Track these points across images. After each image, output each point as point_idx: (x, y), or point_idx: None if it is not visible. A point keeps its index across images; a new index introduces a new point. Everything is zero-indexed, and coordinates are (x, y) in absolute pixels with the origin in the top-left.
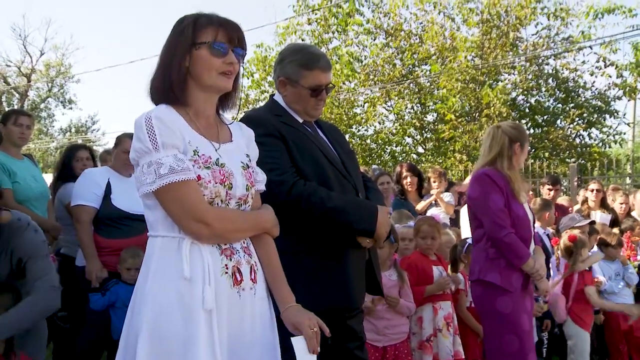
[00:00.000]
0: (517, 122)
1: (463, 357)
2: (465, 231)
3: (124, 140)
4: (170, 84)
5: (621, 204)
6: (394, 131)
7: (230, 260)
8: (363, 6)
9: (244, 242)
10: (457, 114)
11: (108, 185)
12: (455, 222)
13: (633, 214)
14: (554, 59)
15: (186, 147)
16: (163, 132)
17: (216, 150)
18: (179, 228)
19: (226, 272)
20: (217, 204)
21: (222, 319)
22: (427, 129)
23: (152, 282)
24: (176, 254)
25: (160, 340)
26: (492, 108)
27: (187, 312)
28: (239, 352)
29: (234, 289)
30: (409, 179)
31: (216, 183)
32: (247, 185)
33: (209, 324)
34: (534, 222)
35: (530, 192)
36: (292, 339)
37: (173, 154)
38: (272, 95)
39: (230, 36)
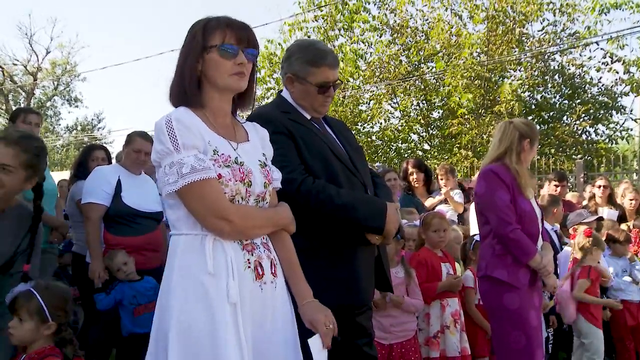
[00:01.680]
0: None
1: (469, 353)
2: (474, 228)
3: (134, 138)
4: (185, 88)
5: (631, 200)
6: (400, 128)
7: (252, 255)
8: (369, 3)
9: (263, 239)
10: (468, 110)
11: (118, 183)
12: (461, 218)
13: None
14: (560, 55)
15: (206, 147)
16: (183, 134)
17: (234, 149)
18: (201, 226)
19: (249, 267)
20: (238, 201)
21: (246, 312)
22: (432, 126)
23: (177, 279)
24: (199, 251)
25: (189, 335)
26: (504, 104)
27: (212, 306)
28: (262, 344)
29: (256, 282)
30: (415, 175)
31: (236, 181)
32: (265, 182)
33: (234, 317)
34: (542, 218)
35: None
36: (309, 340)
37: (194, 154)
38: (279, 92)
39: (239, 37)
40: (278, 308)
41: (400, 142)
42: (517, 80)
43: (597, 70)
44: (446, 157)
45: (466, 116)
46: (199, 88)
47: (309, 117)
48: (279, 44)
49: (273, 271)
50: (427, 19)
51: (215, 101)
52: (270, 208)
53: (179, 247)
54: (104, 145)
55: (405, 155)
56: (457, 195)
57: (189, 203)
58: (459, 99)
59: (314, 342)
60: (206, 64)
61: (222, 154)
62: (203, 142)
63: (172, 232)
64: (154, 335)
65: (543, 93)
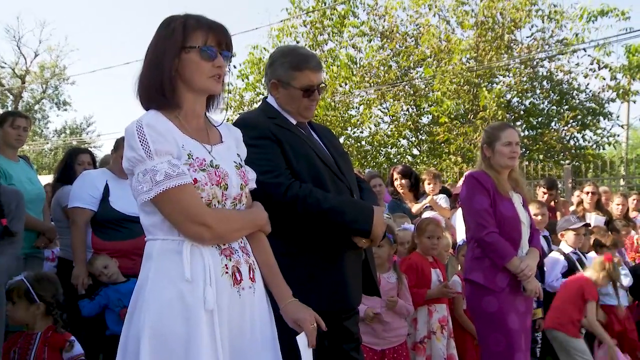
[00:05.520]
0: (511, 123)
1: None
2: (461, 233)
3: (122, 144)
4: (161, 86)
5: (618, 205)
6: (389, 133)
7: (230, 260)
8: (358, 8)
9: (241, 242)
10: (452, 116)
11: (106, 188)
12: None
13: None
14: (548, 61)
15: (180, 152)
16: (155, 139)
17: (209, 152)
18: (178, 232)
19: (226, 272)
20: (214, 205)
21: (223, 319)
22: (422, 131)
23: (152, 285)
24: (176, 256)
25: (163, 342)
26: (487, 111)
27: (188, 313)
28: (240, 350)
29: (234, 288)
30: (399, 182)
31: (212, 185)
32: (241, 184)
33: (210, 324)
34: (531, 224)
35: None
36: (297, 337)
37: (167, 160)
38: (264, 98)
39: (219, 40)
40: (256, 313)
41: (389, 147)
42: (501, 86)
43: (585, 77)
44: (435, 163)
45: (454, 122)
46: (174, 87)
47: (294, 122)
48: (264, 48)
49: (251, 276)
50: (417, 24)
51: (190, 102)
52: (247, 209)
53: (155, 253)
54: (89, 149)
55: (395, 160)
56: (443, 200)
57: (164, 210)
58: (440, 107)
59: (301, 340)
60: (183, 64)
61: (197, 158)
62: (177, 147)
63: (148, 238)
64: (122, 345)
65: (531, 99)
